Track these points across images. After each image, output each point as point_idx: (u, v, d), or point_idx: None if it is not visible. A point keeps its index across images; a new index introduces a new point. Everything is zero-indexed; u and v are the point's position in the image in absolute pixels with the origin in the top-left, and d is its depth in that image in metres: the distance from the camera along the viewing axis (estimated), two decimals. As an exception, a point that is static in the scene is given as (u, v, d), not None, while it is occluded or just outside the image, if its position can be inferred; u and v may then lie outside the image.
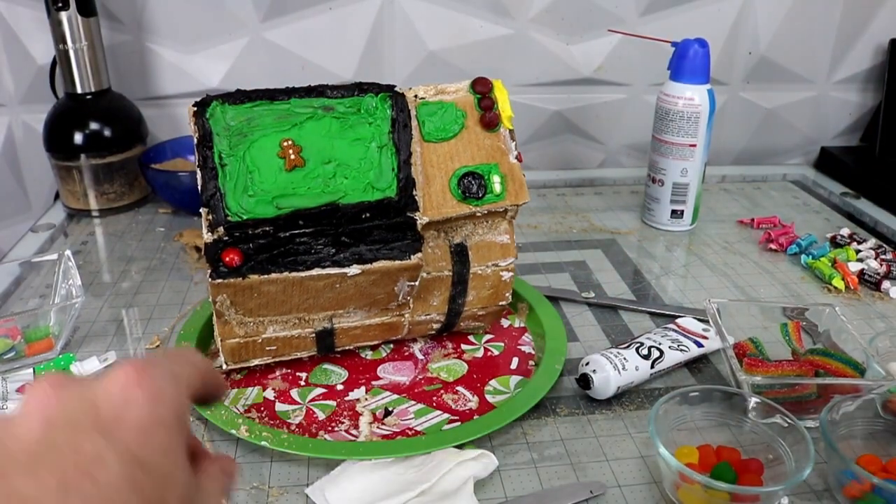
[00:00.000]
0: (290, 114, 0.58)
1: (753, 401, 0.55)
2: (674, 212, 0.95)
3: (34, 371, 0.64)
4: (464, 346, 0.70)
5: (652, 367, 0.63)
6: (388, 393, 0.63)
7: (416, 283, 0.62)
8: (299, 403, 0.62)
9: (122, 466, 0.23)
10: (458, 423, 0.59)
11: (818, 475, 0.54)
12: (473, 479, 0.52)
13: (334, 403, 0.62)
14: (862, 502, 0.50)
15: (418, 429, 0.59)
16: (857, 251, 0.87)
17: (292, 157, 0.57)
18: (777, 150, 1.24)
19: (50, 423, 0.24)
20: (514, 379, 0.65)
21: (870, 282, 0.81)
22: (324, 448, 0.55)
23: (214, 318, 0.60)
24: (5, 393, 0.61)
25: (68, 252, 0.72)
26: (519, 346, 0.70)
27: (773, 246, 0.90)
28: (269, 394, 0.63)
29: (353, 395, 0.63)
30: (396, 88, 0.61)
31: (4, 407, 0.60)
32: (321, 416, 0.60)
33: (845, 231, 0.93)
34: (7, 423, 0.24)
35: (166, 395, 0.26)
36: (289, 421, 0.60)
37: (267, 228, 0.56)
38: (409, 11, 1.07)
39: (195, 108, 0.57)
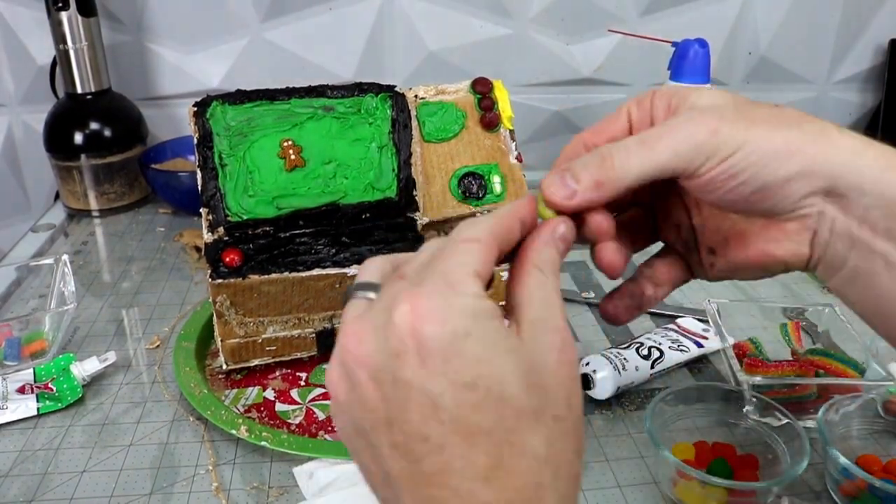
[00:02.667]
0: (290, 114, 0.58)
1: (750, 398, 0.55)
2: (674, 212, 0.94)
3: (34, 372, 0.64)
4: (464, 346, 0.70)
5: (652, 367, 0.63)
6: (388, 393, 0.63)
7: (416, 284, 0.62)
8: (299, 403, 0.62)
9: (455, 397, 0.25)
10: (458, 423, 0.59)
11: (816, 474, 0.54)
12: None
13: (334, 403, 0.62)
14: (858, 501, 0.50)
15: (418, 429, 0.59)
16: (857, 251, 0.87)
17: (292, 157, 0.57)
18: (777, 151, 1.24)
19: (377, 380, 0.27)
20: (514, 379, 0.65)
21: (869, 282, 0.81)
22: (324, 448, 0.55)
23: (215, 318, 0.60)
24: (5, 393, 0.61)
25: (65, 257, 0.72)
26: (519, 346, 0.70)
27: (772, 246, 0.90)
28: (270, 394, 0.63)
29: (353, 395, 0.63)
30: (397, 89, 0.61)
31: (5, 406, 0.60)
32: (321, 416, 0.60)
33: (845, 231, 0.93)
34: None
35: (444, 308, 0.26)
36: (289, 421, 0.60)
37: (267, 228, 0.56)
38: (409, 12, 1.07)
39: (195, 109, 0.57)
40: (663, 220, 0.39)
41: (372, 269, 0.31)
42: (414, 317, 0.26)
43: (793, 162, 0.31)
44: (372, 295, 0.30)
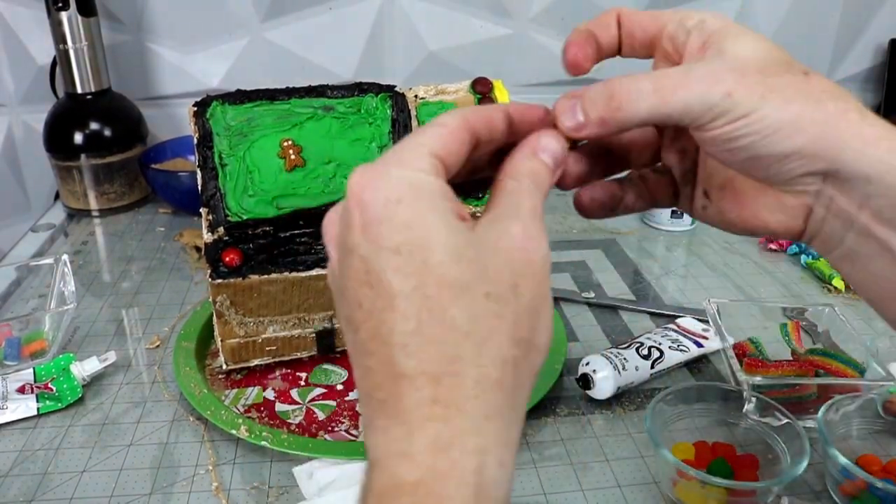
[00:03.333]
0: (290, 114, 0.58)
1: (749, 398, 0.55)
2: (674, 212, 0.95)
3: (34, 372, 0.64)
4: (464, 346, 0.70)
5: (652, 367, 0.63)
6: (388, 393, 0.63)
7: (416, 283, 0.62)
8: (299, 403, 0.62)
9: (381, 261, 0.26)
10: (458, 423, 0.59)
11: (816, 474, 0.54)
12: None
13: (334, 403, 0.62)
14: (858, 501, 0.50)
15: (418, 429, 0.59)
16: (857, 251, 0.87)
17: (292, 157, 0.57)
18: (777, 151, 1.24)
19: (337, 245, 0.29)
20: (514, 379, 0.65)
21: (869, 282, 0.81)
22: (324, 448, 0.55)
23: (215, 318, 0.60)
24: (5, 393, 0.61)
25: (65, 257, 0.72)
26: (519, 346, 0.70)
27: (773, 246, 0.90)
28: (270, 394, 0.63)
29: (353, 395, 0.63)
30: (397, 88, 0.61)
31: (5, 406, 0.60)
32: (321, 416, 0.60)
33: (845, 231, 0.93)
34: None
35: (383, 176, 0.27)
36: (289, 421, 0.60)
37: (267, 228, 0.56)
38: (409, 11, 1.07)
39: (195, 109, 0.57)
40: (670, 141, 0.38)
41: None
42: (358, 186, 0.27)
43: (796, 139, 0.30)
44: None
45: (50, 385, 0.62)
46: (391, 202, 0.26)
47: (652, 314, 0.76)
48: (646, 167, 0.39)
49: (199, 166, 0.56)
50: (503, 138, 0.31)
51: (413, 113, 0.61)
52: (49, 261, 0.74)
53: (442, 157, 0.28)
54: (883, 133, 0.30)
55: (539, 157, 0.31)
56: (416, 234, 0.26)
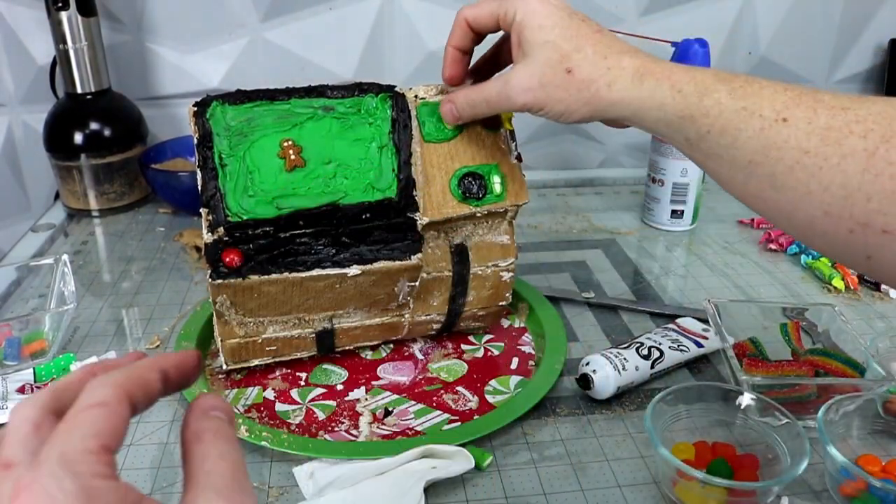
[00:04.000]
0: (290, 114, 0.58)
1: (748, 397, 0.55)
2: (674, 212, 0.95)
3: (34, 372, 0.64)
4: (464, 347, 0.70)
5: (652, 367, 0.63)
6: (388, 393, 0.63)
7: (417, 284, 0.62)
8: (299, 403, 0.62)
9: None
10: (458, 423, 0.59)
11: (816, 474, 0.54)
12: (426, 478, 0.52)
13: (334, 403, 0.62)
14: (858, 501, 0.50)
15: (418, 429, 0.59)
16: (857, 251, 0.87)
17: (292, 157, 0.57)
18: (777, 150, 1.24)
19: None
20: (514, 379, 0.65)
21: (870, 282, 0.81)
22: (324, 448, 0.55)
23: (214, 318, 0.60)
24: (5, 393, 0.61)
25: (65, 257, 0.72)
26: (519, 347, 0.70)
27: (773, 246, 0.91)
28: (270, 394, 0.63)
29: (353, 396, 0.63)
30: (397, 88, 0.61)
31: (5, 407, 0.60)
32: (321, 416, 0.60)
33: (845, 231, 0.93)
34: None
35: (60, 495, 0.23)
36: (289, 421, 0.60)
37: (267, 229, 0.56)
38: (409, 11, 1.07)
39: (195, 109, 0.57)
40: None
41: None
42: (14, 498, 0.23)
43: (573, 117, 0.51)
44: None
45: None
46: None
47: (652, 314, 0.76)
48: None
49: (199, 166, 0.56)
50: (160, 396, 0.29)
51: (413, 113, 0.61)
52: (49, 261, 0.74)
53: (109, 445, 0.25)
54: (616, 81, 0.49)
55: (211, 414, 0.29)
56: None
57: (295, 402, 0.62)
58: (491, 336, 0.72)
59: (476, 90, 0.56)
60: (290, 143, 0.57)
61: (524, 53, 0.51)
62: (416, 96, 0.62)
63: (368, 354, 0.69)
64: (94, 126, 0.97)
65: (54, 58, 1.00)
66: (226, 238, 0.56)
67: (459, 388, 0.64)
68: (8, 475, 0.24)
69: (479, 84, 0.56)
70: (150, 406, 0.28)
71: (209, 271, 0.56)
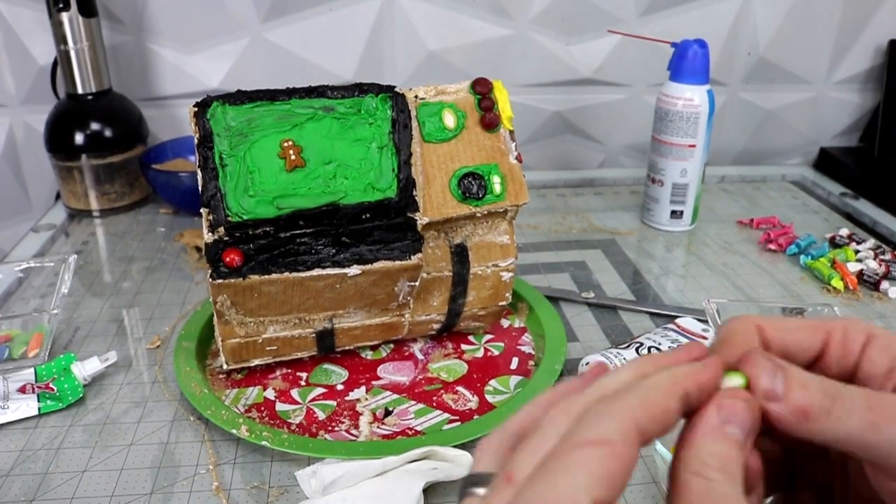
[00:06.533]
0: (290, 114, 0.58)
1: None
2: (673, 212, 0.95)
3: (35, 372, 0.64)
4: (464, 347, 0.70)
5: (651, 366, 0.63)
6: (388, 393, 0.63)
7: (417, 284, 0.62)
8: (300, 403, 0.62)
9: None
10: (458, 423, 0.59)
11: (817, 475, 0.54)
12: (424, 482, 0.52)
13: (334, 403, 0.62)
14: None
15: (418, 429, 0.59)
16: (856, 251, 0.87)
17: (293, 157, 0.57)
18: (776, 151, 1.24)
19: None
20: (514, 379, 0.65)
21: (869, 282, 0.81)
22: (324, 448, 0.55)
23: (215, 318, 0.60)
24: (7, 392, 0.61)
25: (71, 258, 0.73)
26: (519, 347, 0.70)
27: (772, 246, 0.91)
28: (270, 394, 0.63)
29: (353, 395, 0.63)
30: (397, 89, 0.61)
31: (6, 406, 0.60)
32: (321, 415, 0.60)
33: (844, 231, 0.93)
34: None
35: None
36: (289, 421, 0.60)
37: (267, 229, 0.56)
38: (409, 12, 1.07)
39: (196, 109, 0.57)
40: (801, 473, 0.30)
41: (487, 453, 0.25)
42: None
43: None
44: (480, 491, 0.24)
45: (51, 385, 0.62)
46: None
47: (651, 314, 0.76)
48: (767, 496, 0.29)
49: (199, 166, 0.57)
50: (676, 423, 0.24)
51: (413, 113, 0.61)
52: (50, 263, 0.74)
53: (604, 499, 0.21)
54: None
55: (725, 431, 0.23)
56: None
57: (295, 402, 0.62)
58: (491, 336, 0.72)
59: (840, 385, 0.25)
60: (290, 143, 0.57)
61: None
62: (416, 97, 0.62)
63: (368, 354, 0.69)
64: (94, 126, 0.97)
65: (55, 58, 1.00)
66: (226, 238, 0.56)
67: (459, 388, 0.64)
68: (504, 494, 0.22)
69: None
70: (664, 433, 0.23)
71: (209, 271, 0.56)
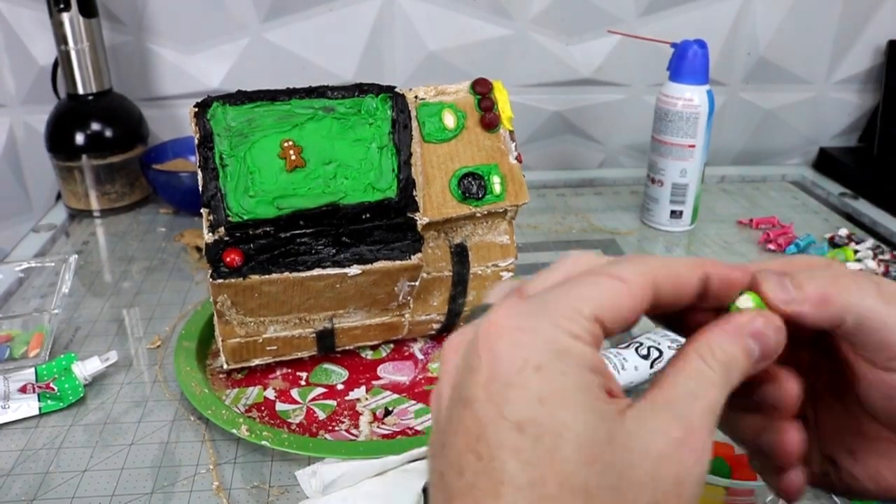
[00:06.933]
0: (290, 114, 0.58)
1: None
2: (673, 212, 0.95)
3: (36, 371, 0.64)
4: (463, 346, 0.70)
5: (651, 367, 0.63)
6: (388, 393, 0.63)
7: (417, 284, 0.62)
8: (300, 403, 0.62)
9: (499, 433, 0.22)
10: (458, 423, 0.59)
11: (816, 474, 0.55)
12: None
13: (335, 403, 0.62)
14: (858, 500, 0.50)
15: (418, 428, 0.59)
16: (856, 251, 0.87)
17: (293, 157, 0.57)
18: (776, 151, 1.24)
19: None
20: (514, 378, 0.65)
21: (868, 282, 0.81)
22: (324, 447, 0.55)
23: (215, 318, 0.60)
24: (7, 392, 0.61)
25: (72, 258, 0.73)
26: (518, 346, 0.70)
27: (771, 246, 0.91)
28: (270, 393, 0.63)
29: (353, 395, 0.63)
30: (397, 89, 0.61)
31: (6, 406, 0.60)
32: (321, 415, 0.61)
33: (843, 231, 0.93)
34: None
35: (528, 332, 0.23)
36: (289, 420, 0.60)
37: (268, 229, 0.56)
38: (409, 12, 1.07)
39: (196, 109, 0.57)
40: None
41: (496, 290, 0.27)
42: (494, 332, 0.23)
43: None
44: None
45: (51, 385, 0.62)
46: (528, 367, 0.22)
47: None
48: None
49: (199, 167, 0.57)
50: (691, 302, 0.26)
51: (413, 113, 0.61)
52: (51, 263, 0.74)
53: (605, 320, 0.23)
54: None
55: (746, 342, 0.25)
56: (549, 415, 0.21)
57: (295, 402, 0.62)
58: (491, 336, 0.72)
59: (857, 275, 0.27)
60: (290, 143, 0.58)
61: None
62: (416, 97, 0.62)
63: (369, 354, 0.69)
64: (95, 126, 0.97)
65: (56, 58, 1.00)
66: (226, 238, 0.56)
67: (459, 388, 0.64)
68: (509, 300, 0.24)
69: None
70: (676, 306, 0.25)
71: (210, 271, 0.56)
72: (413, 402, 0.62)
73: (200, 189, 0.56)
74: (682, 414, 0.23)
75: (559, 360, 0.22)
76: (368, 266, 0.58)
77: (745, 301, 0.26)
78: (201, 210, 0.56)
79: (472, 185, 0.62)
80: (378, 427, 0.59)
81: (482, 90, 0.64)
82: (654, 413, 0.23)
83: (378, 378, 0.65)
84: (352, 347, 0.68)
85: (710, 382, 0.23)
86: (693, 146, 0.91)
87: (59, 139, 0.98)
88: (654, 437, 0.22)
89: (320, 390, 0.64)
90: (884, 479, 0.28)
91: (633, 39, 0.99)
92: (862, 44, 1.17)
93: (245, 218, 0.56)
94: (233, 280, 0.56)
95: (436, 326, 0.68)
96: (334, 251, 0.58)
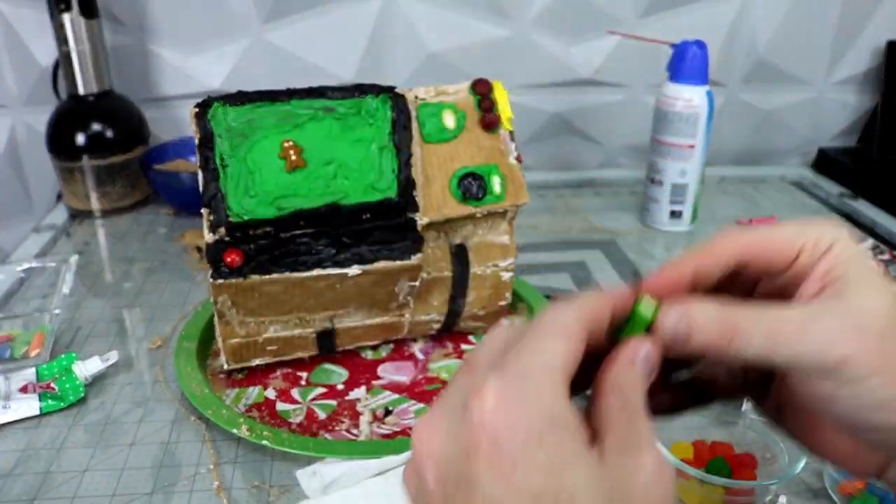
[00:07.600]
0: (291, 115, 0.59)
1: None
2: (673, 212, 0.95)
3: (37, 371, 0.64)
4: (464, 346, 0.70)
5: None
6: (388, 392, 0.64)
7: (417, 284, 0.62)
8: (300, 403, 0.62)
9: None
10: (458, 423, 0.59)
11: (814, 473, 0.55)
12: None
13: (335, 403, 0.62)
14: (857, 500, 0.51)
15: (418, 428, 0.59)
16: (856, 252, 0.87)
17: (293, 158, 0.57)
18: (775, 151, 1.24)
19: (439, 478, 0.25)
20: (514, 378, 0.66)
21: (868, 282, 0.82)
22: (324, 447, 0.55)
23: (216, 318, 0.60)
24: (8, 392, 0.62)
25: (73, 258, 0.73)
26: (518, 346, 0.70)
27: (771, 246, 0.91)
28: (271, 393, 0.63)
29: (353, 395, 0.63)
30: (397, 89, 0.61)
31: (7, 406, 0.60)
32: (322, 415, 0.61)
33: (843, 232, 0.93)
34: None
35: (523, 407, 0.24)
36: (290, 420, 0.60)
37: (268, 229, 0.56)
38: (409, 13, 1.07)
39: (197, 110, 0.58)
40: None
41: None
42: (491, 412, 0.24)
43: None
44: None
45: (52, 385, 0.62)
46: (532, 441, 0.24)
47: (651, 314, 0.76)
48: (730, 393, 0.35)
49: (200, 167, 0.57)
50: (601, 337, 0.29)
51: (413, 114, 0.61)
52: (52, 263, 0.75)
53: (570, 374, 0.26)
54: None
55: (641, 365, 0.28)
56: (559, 482, 0.23)
57: (296, 402, 0.62)
58: (491, 336, 0.72)
59: (742, 313, 0.29)
60: (290, 143, 0.58)
61: (840, 295, 0.29)
62: (416, 97, 0.62)
63: (369, 354, 0.69)
64: (96, 127, 0.97)
65: (56, 59, 1.00)
66: (227, 238, 0.56)
67: (459, 388, 0.64)
68: (477, 373, 0.26)
69: (743, 304, 0.29)
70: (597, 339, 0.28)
71: (210, 271, 0.56)
72: (413, 401, 0.62)
73: (201, 189, 0.56)
74: (642, 444, 0.25)
75: (554, 427, 0.24)
76: (369, 266, 0.58)
77: (647, 305, 0.29)
78: (202, 210, 0.56)
79: (472, 186, 0.62)
80: (378, 427, 0.59)
81: (482, 91, 0.64)
82: (625, 452, 0.25)
83: (378, 378, 0.66)
84: (352, 347, 0.68)
85: (636, 411, 0.27)
86: (692, 146, 0.91)
87: (60, 140, 0.98)
88: (637, 471, 0.25)
89: (321, 390, 0.64)
90: (814, 442, 0.32)
91: (632, 40, 0.99)
92: (861, 44, 1.17)
93: (245, 218, 0.56)
94: (233, 280, 0.56)
95: (436, 326, 0.68)
96: (334, 251, 0.58)
